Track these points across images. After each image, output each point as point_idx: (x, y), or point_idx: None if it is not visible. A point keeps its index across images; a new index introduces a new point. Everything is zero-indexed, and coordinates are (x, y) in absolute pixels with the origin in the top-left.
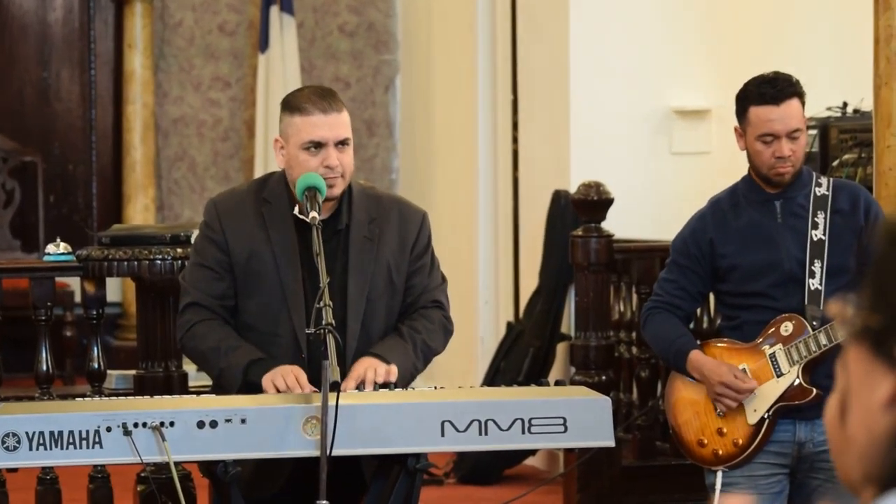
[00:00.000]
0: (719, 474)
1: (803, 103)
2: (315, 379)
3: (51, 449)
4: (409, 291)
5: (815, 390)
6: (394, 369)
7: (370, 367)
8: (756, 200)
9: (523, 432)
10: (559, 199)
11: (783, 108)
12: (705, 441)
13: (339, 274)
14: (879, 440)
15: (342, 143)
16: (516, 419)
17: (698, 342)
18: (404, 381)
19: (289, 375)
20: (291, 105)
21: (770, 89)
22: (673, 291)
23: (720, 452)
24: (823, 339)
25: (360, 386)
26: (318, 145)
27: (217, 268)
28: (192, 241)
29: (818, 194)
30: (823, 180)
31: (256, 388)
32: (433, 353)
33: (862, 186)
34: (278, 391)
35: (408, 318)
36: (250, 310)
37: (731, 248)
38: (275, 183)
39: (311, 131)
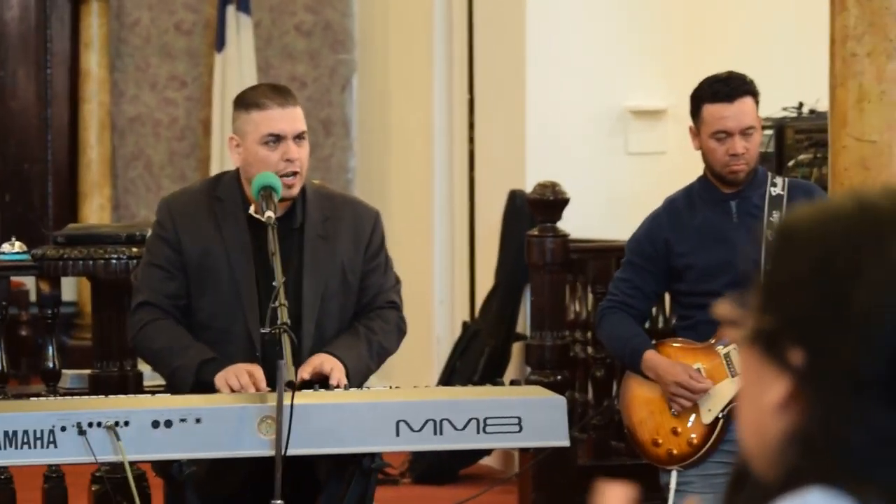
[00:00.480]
0: (674, 474)
1: (757, 102)
2: (270, 378)
3: (5, 448)
4: (365, 292)
5: None
6: (343, 379)
7: (323, 368)
8: (711, 200)
9: (478, 432)
10: (515, 198)
11: (736, 106)
12: (660, 441)
13: (294, 273)
14: (771, 444)
15: (300, 138)
16: (471, 419)
17: (653, 342)
18: (358, 382)
19: (242, 374)
20: (247, 101)
21: (723, 87)
22: (627, 291)
23: (675, 452)
24: None
25: (314, 385)
26: (278, 139)
27: (169, 267)
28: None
29: (773, 194)
30: (779, 180)
31: (209, 388)
32: (387, 354)
33: (817, 186)
34: (232, 390)
35: (364, 317)
36: (204, 309)
37: (686, 247)
38: (228, 181)
39: (271, 125)
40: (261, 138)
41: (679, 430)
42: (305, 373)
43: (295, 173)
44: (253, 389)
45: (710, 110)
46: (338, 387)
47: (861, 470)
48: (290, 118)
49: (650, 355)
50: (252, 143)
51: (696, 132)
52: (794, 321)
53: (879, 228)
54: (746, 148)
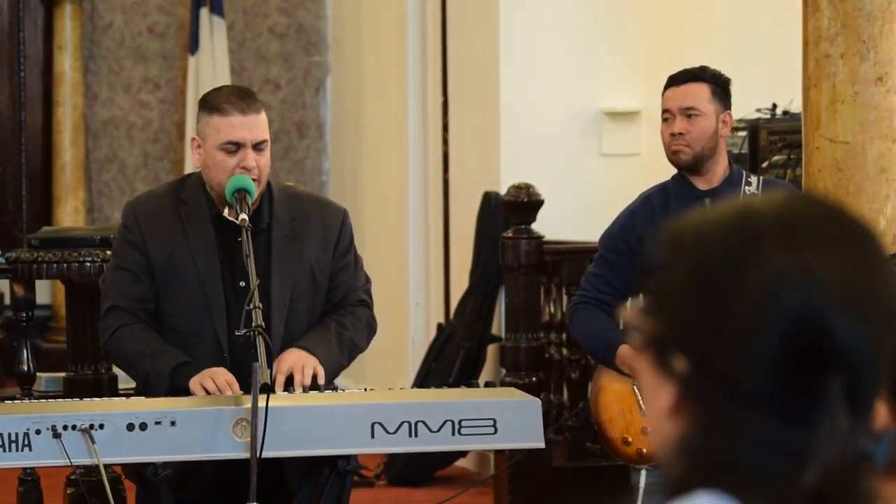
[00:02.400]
0: (643, 473)
1: (718, 93)
2: (237, 379)
3: None
4: (335, 291)
5: None
6: (320, 370)
7: (297, 365)
8: (686, 197)
9: (453, 434)
10: (489, 200)
11: (682, 88)
12: (630, 439)
13: (262, 273)
14: (668, 447)
15: (260, 145)
16: (446, 421)
17: None
18: (329, 377)
19: (218, 377)
20: (210, 104)
21: (677, 73)
22: (600, 286)
23: (645, 451)
24: None
25: (289, 388)
26: (237, 146)
27: (136, 270)
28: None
29: (748, 193)
30: (753, 179)
31: (183, 392)
32: (358, 351)
33: (792, 186)
34: (207, 393)
35: (335, 313)
36: (171, 311)
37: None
38: (193, 183)
39: (230, 132)
40: (220, 144)
41: (649, 429)
42: (281, 375)
43: (253, 181)
44: (228, 392)
45: (664, 95)
46: (314, 387)
47: (745, 476)
48: (251, 126)
49: (625, 350)
50: (211, 147)
51: None
52: (678, 329)
53: (758, 236)
54: (686, 129)
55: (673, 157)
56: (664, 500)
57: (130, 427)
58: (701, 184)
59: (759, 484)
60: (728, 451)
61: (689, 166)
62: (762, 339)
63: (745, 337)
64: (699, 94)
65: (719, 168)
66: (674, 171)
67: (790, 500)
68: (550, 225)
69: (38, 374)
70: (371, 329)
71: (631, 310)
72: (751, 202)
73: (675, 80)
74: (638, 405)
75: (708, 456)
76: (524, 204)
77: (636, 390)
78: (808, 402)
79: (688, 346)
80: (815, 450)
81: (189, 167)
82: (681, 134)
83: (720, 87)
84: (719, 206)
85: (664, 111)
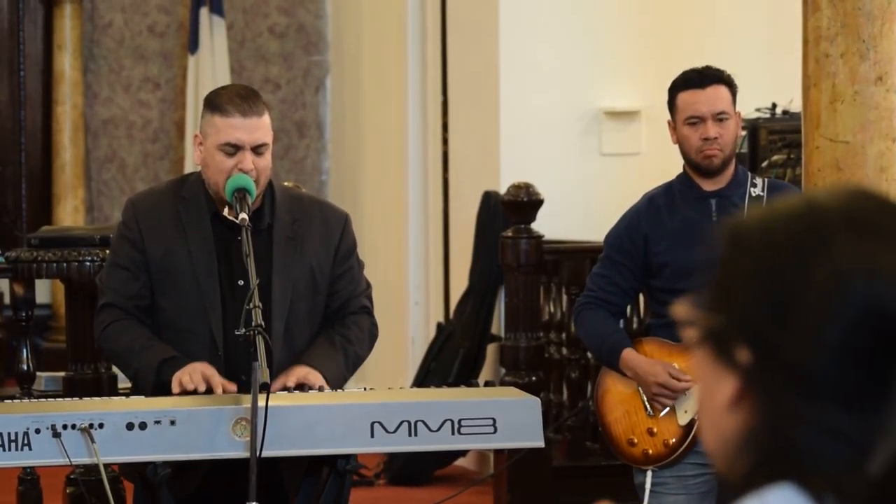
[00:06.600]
0: (649, 474)
1: (733, 94)
2: (231, 377)
3: None
4: (336, 296)
5: None
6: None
7: (310, 374)
8: (692, 198)
9: (453, 433)
10: (489, 200)
11: (708, 91)
12: (635, 440)
13: (263, 274)
14: (728, 443)
15: (260, 148)
16: (446, 420)
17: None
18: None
19: (196, 373)
20: (213, 104)
21: (695, 75)
22: (605, 287)
23: (650, 452)
24: None
25: (288, 387)
26: (235, 148)
27: (132, 267)
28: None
29: (753, 194)
30: (759, 181)
31: (169, 387)
32: (361, 362)
33: (796, 187)
34: (188, 392)
35: (339, 324)
36: (167, 308)
37: (664, 245)
38: (194, 181)
39: (229, 133)
40: (219, 144)
41: (655, 430)
42: (291, 382)
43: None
44: (203, 388)
45: (683, 97)
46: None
47: (812, 466)
48: (251, 128)
49: (629, 354)
50: (211, 146)
51: (673, 125)
52: (741, 321)
53: (824, 228)
54: (720, 133)
55: (704, 161)
56: (729, 498)
57: (130, 426)
58: (707, 185)
59: (825, 475)
60: (794, 441)
61: (717, 169)
62: (829, 328)
63: (812, 326)
64: (726, 97)
65: (730, 169)
66: (674, 170)
67: (856, 491)
68: (550, 225)
69: (38, 373)
70: (373, 337)
71: (685, 305)
72: (814, 196)
73: (699, 83)
74: (643, 406)
75: (774, 447)
76: (524, 203)
77: (641, 391)
78: (875, 392)
79: (753, 338)
80: (880, 440)
81: (189, 166)
82: (715, 138)
83: (733, 87)
84: (781, 200)
85: (691, 115)
